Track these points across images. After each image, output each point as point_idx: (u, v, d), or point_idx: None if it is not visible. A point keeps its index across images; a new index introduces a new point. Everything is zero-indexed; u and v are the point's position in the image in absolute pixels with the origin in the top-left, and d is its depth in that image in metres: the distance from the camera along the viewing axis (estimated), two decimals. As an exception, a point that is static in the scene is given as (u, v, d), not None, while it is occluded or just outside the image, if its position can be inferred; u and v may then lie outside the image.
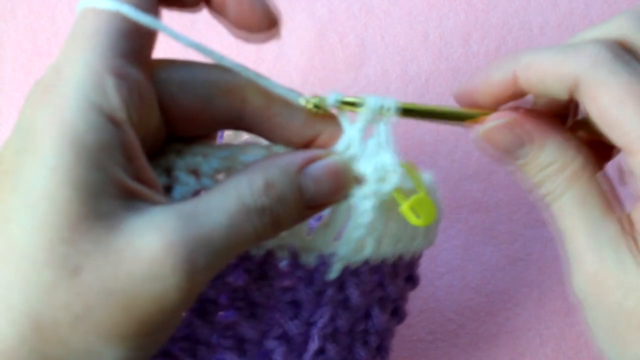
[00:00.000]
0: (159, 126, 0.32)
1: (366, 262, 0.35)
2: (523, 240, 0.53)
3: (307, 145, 0.34)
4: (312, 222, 0.36)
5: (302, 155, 0.32)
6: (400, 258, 0.37)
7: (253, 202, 0.30)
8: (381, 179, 0.33)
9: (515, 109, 0.34)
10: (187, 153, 0.33)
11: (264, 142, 0.35)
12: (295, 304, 0.35)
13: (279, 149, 0.34)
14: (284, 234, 0.34)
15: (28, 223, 0.26)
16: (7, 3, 0.54)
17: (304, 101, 0.33)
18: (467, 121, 0.34)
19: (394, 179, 0.33)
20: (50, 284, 0.26)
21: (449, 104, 0.35)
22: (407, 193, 0.34)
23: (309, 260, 0.35)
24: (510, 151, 0.33)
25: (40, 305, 0.26)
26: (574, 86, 0.30)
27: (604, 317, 0.31)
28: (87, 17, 0.29)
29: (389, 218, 0.35)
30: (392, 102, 0.33)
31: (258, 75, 0.32)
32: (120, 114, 0.27)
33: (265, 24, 0.31)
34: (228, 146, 0.34)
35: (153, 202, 0.28)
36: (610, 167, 0.35)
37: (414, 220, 0.33)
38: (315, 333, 0.35)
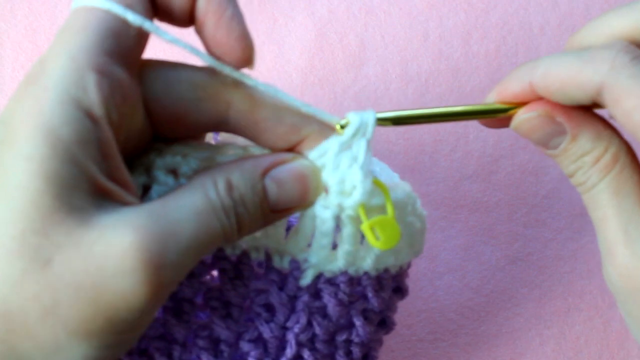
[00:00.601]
0: (143, 127, 0.31)
1: (345, 273, 0.35)
2: (523, 240, 0.53)
3: (292, 150, 0.34)
4: (292, 220, 0.36)
5: (268, 159, 0.32)
6: (386, 271, 0.37)
7: (219, 201, 0.30)
8: (345, 192, 0.33)
9: (547, 100, 0.33)
10: (167, 152, 0.33)
11: (242, 141, 0.35)
12: (270, 307, 0.35)
13: (256, 150, 0.34)
14: (258, 234, 0.34)
15: (1, 212, 0.26)
16: (7, 3, 0.54)
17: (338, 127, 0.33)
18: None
19: (357, 195, 0.33)
20: (21, 274, 0.26)
21: (449, 103, 0.35)
22: (378, 211, 0.34)
23: (283, 264, 0.35)
24: (543, 143, 0.33)
25: (10, 294, 0.26)
26: (596, 93, 0.30)
27: (637, 309, 0.31)
28: (79, 13, 0.29)
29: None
30: (372, 116, 0.33)
31: (285, 94, 0.32)
32: (99, 110, 0.27)
33: (238, 55, 0.31)
34: (208, 146, 0.34)
35: (124, 203, 0.28)
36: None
37: (373, 241, 0.33)
38: (292, 338, 0.35)
